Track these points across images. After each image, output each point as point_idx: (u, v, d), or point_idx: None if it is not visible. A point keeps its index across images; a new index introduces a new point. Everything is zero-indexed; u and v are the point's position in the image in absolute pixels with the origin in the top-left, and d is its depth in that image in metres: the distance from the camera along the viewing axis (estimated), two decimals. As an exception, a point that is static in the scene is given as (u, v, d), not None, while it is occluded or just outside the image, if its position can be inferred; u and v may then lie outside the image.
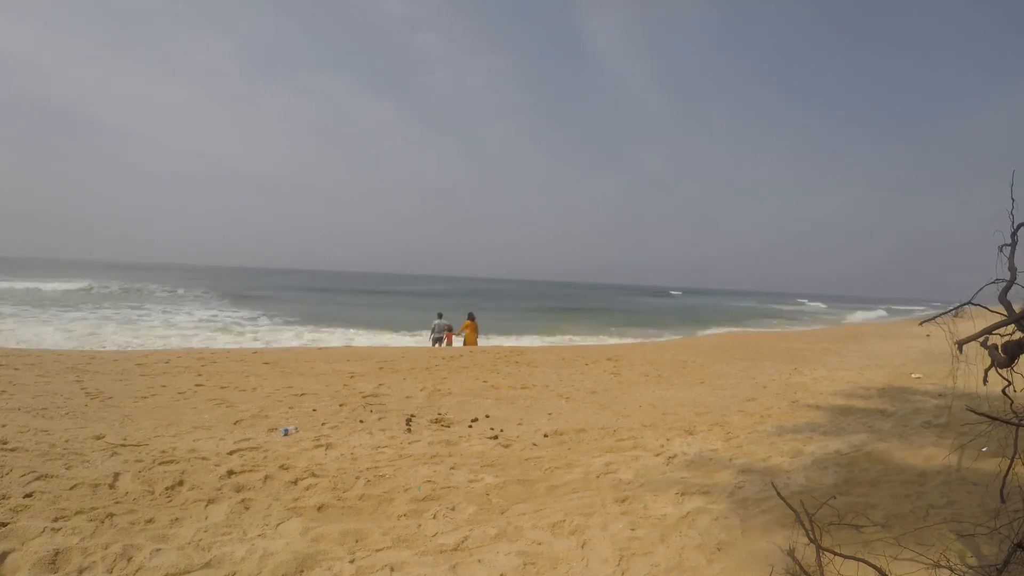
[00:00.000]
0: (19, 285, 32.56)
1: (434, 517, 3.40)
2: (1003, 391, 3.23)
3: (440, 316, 15.80)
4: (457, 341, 15.64)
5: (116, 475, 3.63)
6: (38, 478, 3.41)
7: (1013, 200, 3.10)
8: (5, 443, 4.01)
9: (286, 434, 5.19)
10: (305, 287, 63.78)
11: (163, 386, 7.03)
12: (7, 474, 3.43)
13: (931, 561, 2.53)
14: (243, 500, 3.47)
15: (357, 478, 3.99)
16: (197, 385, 7.23)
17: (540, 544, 3.01)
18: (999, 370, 3.19)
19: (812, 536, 2.54)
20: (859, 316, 50.57)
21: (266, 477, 3.88)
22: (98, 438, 4.49)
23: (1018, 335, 3.13)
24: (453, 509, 3.54)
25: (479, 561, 2.82)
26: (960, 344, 3.17)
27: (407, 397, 7.31)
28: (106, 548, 2.69)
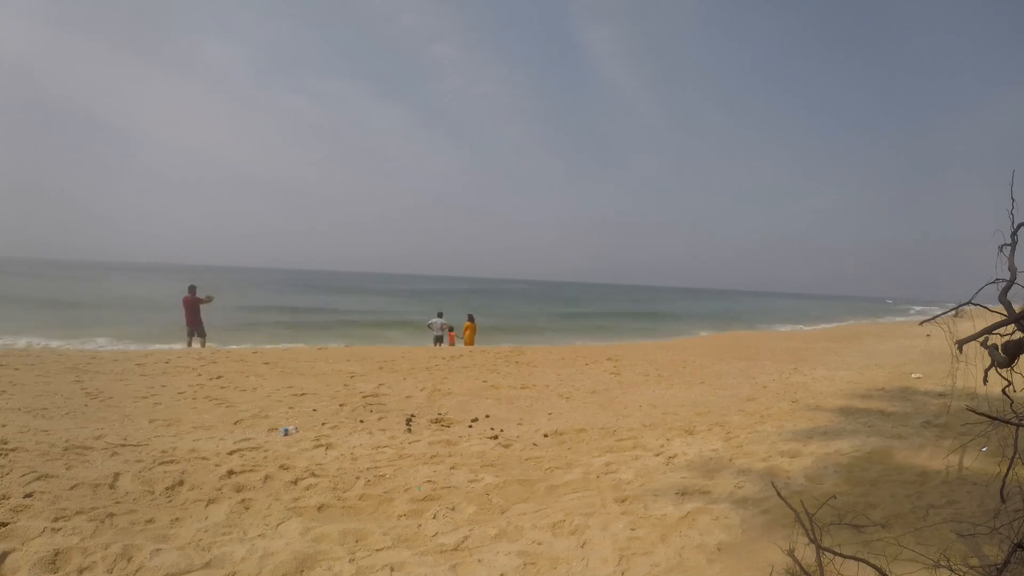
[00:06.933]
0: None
1: (434, 517, 3.40)
2: (1003, 391, 3.23)
3: (440, 315, 15.80)
4: (458, 342, 15.66)
5: (116, 475, 3.63)
6: (38, 478, 3.41)
7: (1013, 200, 3.10)
8: (5, 443, 4.01)
9: (286, 434, 5.19)
10: (313, 287, 64.46)
11: (163, 386, 7.03)
12: (7, 474, 3.43)
13: (931, 561, 2.53)
14: (243, 500, 3.47)
15: (357, 478, 3.99)
16: (197, 385, 7.23)
17: (540, 544, 3.01)
18: (999, 370, 3.19)
19: (812, 536, 2.54)
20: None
21: (266, 477, 3.88)
22: (98, 438, 4.49)
23: (1018, 335, 3.13)
24: (453, 509, 3.54)
25: (479, 561, 2.82)
26: (960, 344, 3.17)
27: (407, 397, 7.31)
28: (106, 548, 2.69)
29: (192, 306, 12.80)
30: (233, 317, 24.01)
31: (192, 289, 13.08)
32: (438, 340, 15.32)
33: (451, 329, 15.77)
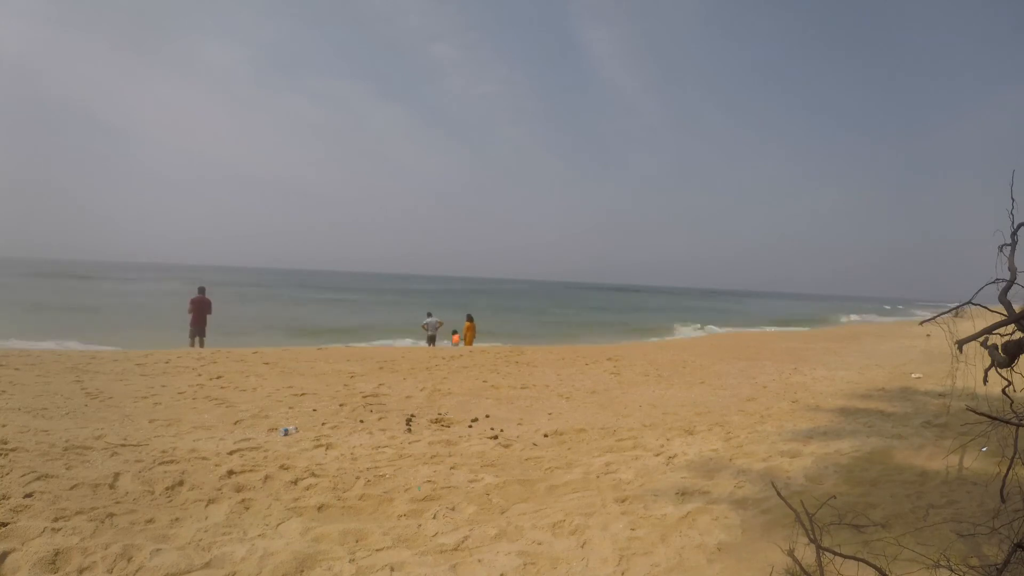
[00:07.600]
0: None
1: (434, 517, 3.40)
2: (1003, 391, 3.23)
3: (429, 315, 16.02)
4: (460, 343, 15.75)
5: (116, 475, 3.63)
6: (38, 478, 3.41)
7: (1013, 200, 3.10)
8: (5, 443, 4.01)
9: (286, 434, 5.19)
10: (316, 287, 64.82)
11: (163, 386, 7.03)
12: (7, 474, 3.43)
13: (931, 561, 2.53)
14: (243, 500, 3.47)
15: (357, 478, 3.99)
16: (197, 385, 7.23)
17: (540, 544, 3.01)
18: (999, 370, 3.19)
19: (812, 536, 2.54)
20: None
21: (266, 477, 3.88)
22: (98, 438, 4.49)
23: (1018, 335, 3.13)
24: (453, 509, 3.54)
25: (479, 561, 2.82)
26: (960, 344, 3.17)
27: (407, 397, 7.31)
28: (106, 548, 2.69)
29: (201, 307, 12.90)
30: (232, 317, 24.02)
31: (202, 290, 13.19)
32: (431, 340, 15.47)
33: (458, 329, 15.90)
